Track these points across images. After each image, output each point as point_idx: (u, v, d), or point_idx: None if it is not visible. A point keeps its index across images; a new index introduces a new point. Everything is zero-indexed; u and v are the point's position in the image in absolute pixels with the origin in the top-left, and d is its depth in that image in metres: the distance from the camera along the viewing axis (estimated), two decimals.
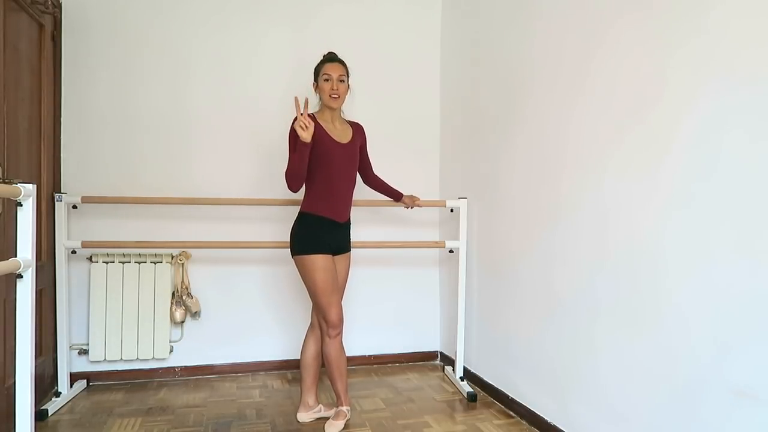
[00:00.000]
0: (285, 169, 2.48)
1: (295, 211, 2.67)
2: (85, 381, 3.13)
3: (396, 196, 3.01)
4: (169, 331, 3.22)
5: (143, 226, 3.23)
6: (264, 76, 3.41)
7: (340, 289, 2.64)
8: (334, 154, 2.52)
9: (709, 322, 1.68)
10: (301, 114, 2.33)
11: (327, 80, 2.52)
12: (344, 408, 2.61)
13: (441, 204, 3.30)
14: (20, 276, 1.76)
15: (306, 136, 2.33)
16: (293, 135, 2.42)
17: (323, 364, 2.63)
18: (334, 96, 2.52)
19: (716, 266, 1.66)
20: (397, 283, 3.69)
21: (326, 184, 2.52)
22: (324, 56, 2.60)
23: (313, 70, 2.61)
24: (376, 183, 2.92)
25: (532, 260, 2.65)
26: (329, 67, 2.53)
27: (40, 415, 2.63)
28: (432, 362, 3.73)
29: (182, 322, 3.25)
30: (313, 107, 2.59)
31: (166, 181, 3.26)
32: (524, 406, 2.68)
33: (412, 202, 3.06)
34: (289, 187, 2.48)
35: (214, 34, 3.33)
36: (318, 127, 2.45)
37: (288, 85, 3.39)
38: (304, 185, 2.54)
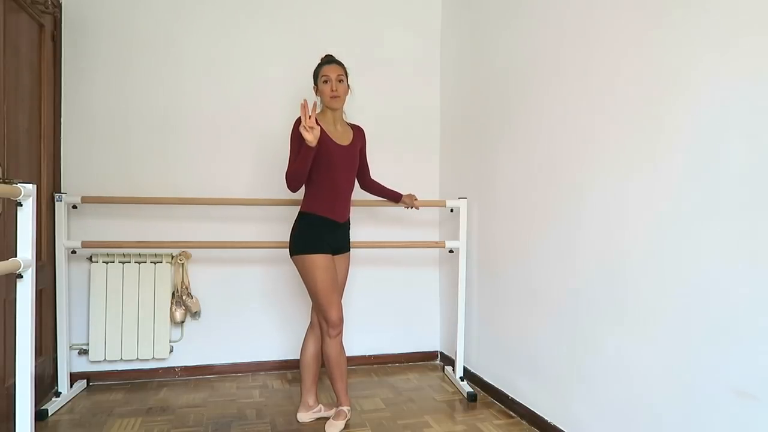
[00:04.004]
0: (286, 170, 2.48)
1: (295, 211, 2.67)
2: (85, 381, 3.13)
3: (395, 197, 3.00)
4: (169, 331, 3.22)
5: (143, 226, 3.23)
6: (264, 76, 3.41)
7: (340, 288, 2.64)
8: (335, 155, 2.52)
9: (709, 322, 1.68)
10: (309, 117, 2.32)
11: (326, 82, 2.53)
12: (344, 408, 2.61)
13: (441, 204, 3.30)
14: (20, 276, 1.76)
15: (312, 139, 2.33)
16: (296, 136, 2.41)
17: (323, 364, 2.63)
18: (334, 96, 2.52)
19: (716, 266, 1.66)
20: (397, 283, 3.68)
21: (326, 186, 2.53)
22: (321, 59, 2.61)
23: (312, 72, 2.61)
24: (373, 187, 2.91)
25: (532, 260, 2.65)
26: (327, 69, 2.54)
27: (40, 415, 2.63)
28: (432, 362, 3.73)
29: (182, 322, 3.25)
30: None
31: (166, 181, 3.26)
32: (524, 406, 2.69)
33: (411, 201, 3.06)
34: (288, 187, 2.48)
35: (214, 33, 3.33)
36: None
37: (288, 84, 3.40)
38: (303, 185, 2.54)
